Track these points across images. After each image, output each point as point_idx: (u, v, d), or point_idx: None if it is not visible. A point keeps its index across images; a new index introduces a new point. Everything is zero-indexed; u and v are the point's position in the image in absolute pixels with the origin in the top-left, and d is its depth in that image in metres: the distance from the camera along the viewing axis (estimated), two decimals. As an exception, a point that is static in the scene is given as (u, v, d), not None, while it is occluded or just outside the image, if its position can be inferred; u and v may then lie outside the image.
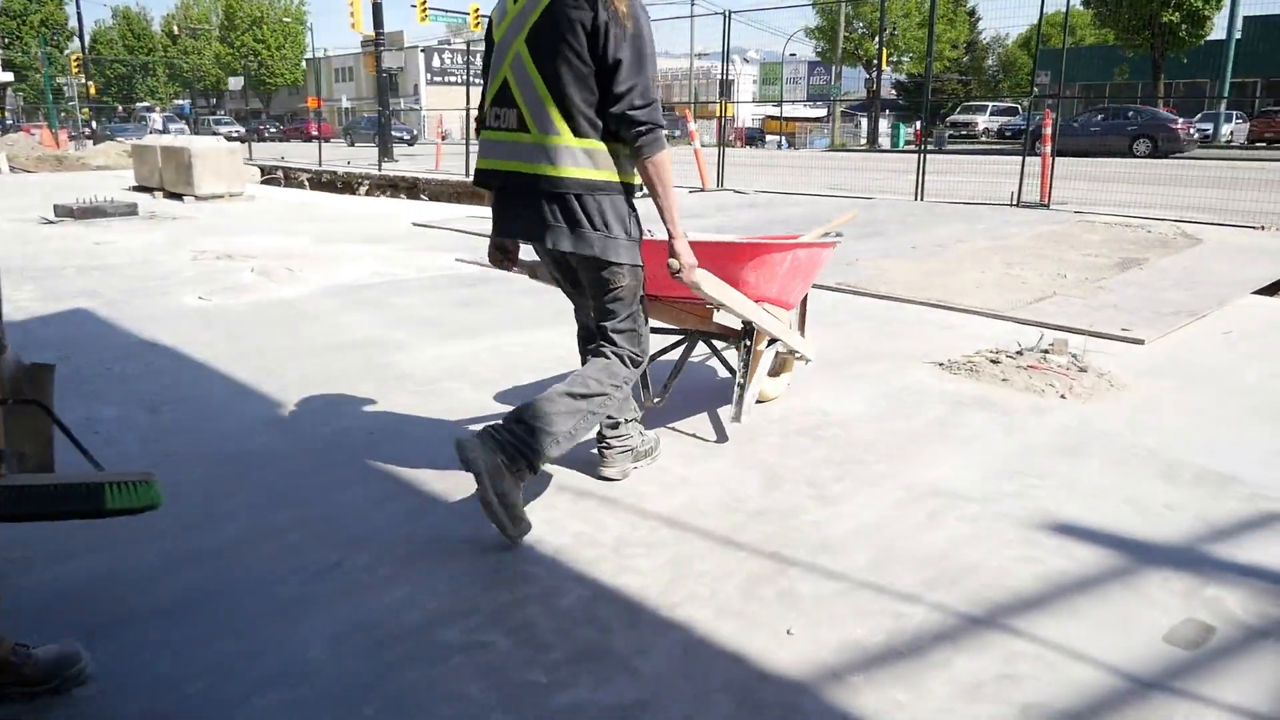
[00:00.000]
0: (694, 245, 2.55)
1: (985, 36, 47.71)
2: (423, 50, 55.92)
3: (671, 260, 2.44)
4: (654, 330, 3.23)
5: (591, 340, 2.68)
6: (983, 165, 16.94)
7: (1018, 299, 5.57)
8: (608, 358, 2.57)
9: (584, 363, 2.71)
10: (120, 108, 53.45)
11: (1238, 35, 31.85)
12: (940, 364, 4.13)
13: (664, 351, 3.53)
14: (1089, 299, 5.62)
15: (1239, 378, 4.01)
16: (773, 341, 3.23)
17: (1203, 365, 4.22)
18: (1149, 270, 6.71)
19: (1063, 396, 3.69)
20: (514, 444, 2.35)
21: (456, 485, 2.74)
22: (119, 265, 6.88)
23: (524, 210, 2.45)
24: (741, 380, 3.08)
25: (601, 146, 2.37)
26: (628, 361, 2.58)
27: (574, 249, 2.41)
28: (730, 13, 14.53)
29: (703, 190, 13.29)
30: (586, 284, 2.56)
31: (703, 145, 15.07)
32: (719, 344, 3.49)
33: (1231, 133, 29.84)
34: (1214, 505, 2.68)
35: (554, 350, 4.37)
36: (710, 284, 2.63)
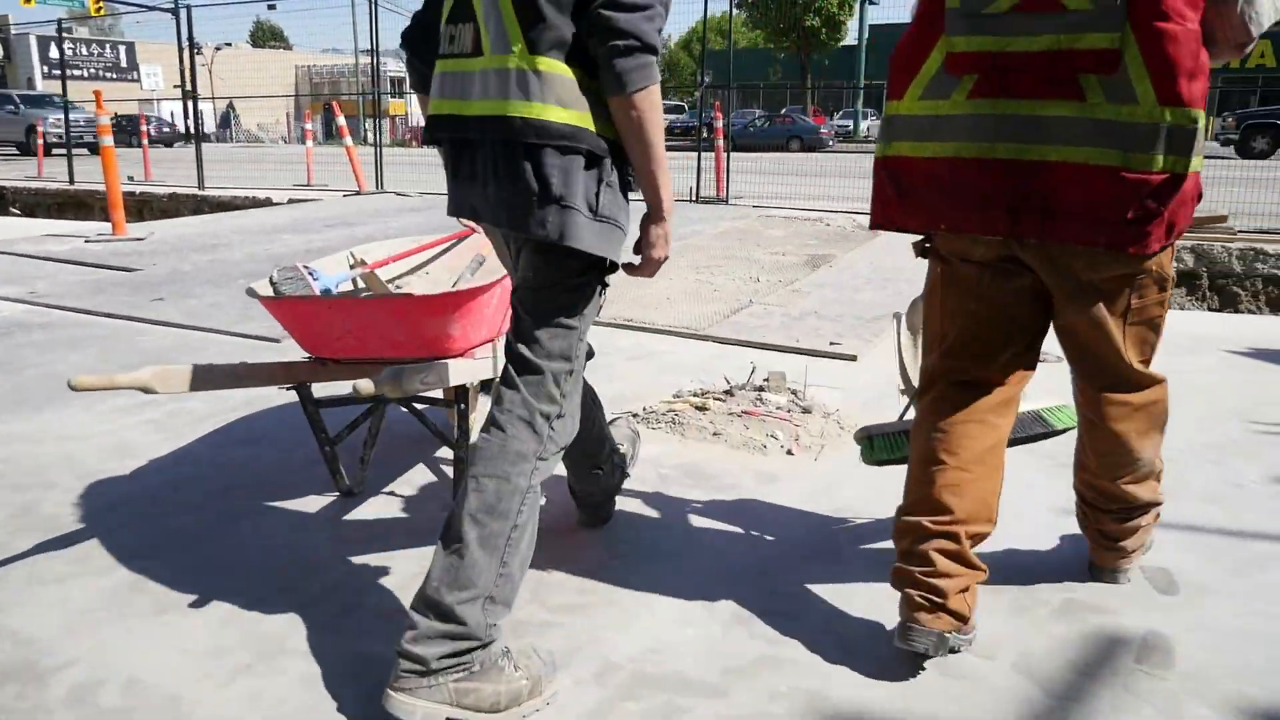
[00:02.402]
0: (363, 305, 2.21)
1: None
2: (36, 37, 48.06)
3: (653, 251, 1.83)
4: (332, 401, 2.46)
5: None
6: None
7: (714, 311, 4.78)
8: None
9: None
10: None
11: (868, 40, 35.08)
12: (635, 414, 3.14)
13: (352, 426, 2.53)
14: (788, 306, 4.95)
15: (969, 399, 3.39)
16: (488, 384, 2.45)
17: (928, 385, 3.57)
18: (838, 267, 6.27)
19: (789, 452, 2.82)
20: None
21: None
22: None
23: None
24: (462, 453, 2.31)
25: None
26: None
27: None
28: (376, 2, 12.93)
29: (359, 193, 11.69)
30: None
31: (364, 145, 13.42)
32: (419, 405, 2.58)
33: (869, 129, 32.67)
34: (1028, 640, 1.85)
35: (64, 444, 2.86)
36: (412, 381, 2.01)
